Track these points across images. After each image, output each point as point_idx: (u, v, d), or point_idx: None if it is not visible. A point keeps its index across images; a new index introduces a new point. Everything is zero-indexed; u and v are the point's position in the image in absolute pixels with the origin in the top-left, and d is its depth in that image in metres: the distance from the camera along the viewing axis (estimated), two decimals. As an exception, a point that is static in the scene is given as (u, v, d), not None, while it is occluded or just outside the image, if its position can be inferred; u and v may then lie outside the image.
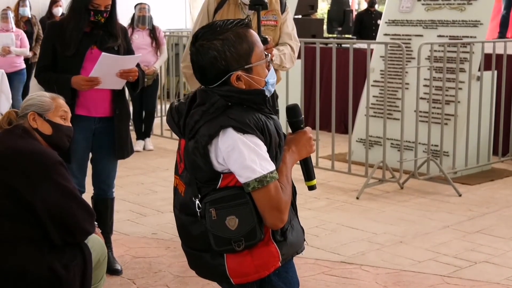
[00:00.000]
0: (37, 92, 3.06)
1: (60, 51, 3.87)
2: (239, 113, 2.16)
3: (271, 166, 2.15)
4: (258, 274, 2.24)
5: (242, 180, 2.14)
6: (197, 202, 2.21)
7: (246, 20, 2.24)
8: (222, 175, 2.18)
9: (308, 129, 2.35)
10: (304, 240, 2.42)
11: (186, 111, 2.25)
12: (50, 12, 10.18)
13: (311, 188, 2.40)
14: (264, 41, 3.66)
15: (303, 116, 2.36)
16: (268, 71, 2.27)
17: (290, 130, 2.38)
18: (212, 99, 2.17)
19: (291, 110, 2.35)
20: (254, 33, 2.24)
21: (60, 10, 10.10)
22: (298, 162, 2.39)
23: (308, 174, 2.39)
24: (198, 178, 2.21)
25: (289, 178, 2.25)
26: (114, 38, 3.93)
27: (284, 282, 2.31)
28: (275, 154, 2.21)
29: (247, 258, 2.22)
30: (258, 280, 2.26)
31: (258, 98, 2.21)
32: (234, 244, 2.16)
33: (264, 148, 2.16)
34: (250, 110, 2.19)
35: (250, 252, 2.21)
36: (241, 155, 2.11)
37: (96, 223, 3.00)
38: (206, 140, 2.14)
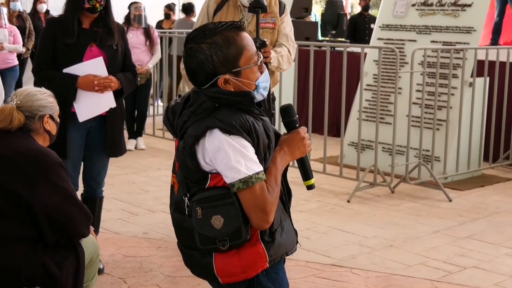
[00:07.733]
0: (40, 89, 3.01)
1: (60, 40, 3.86)
2: (226, 114, 2.17)
3: (258, 167, 2.16)
4: (245, 274, 2.25)
5: (227, 180, 2.15)
6: (186, 200, 2.23)
7: (239, 23, 2.24)
8: (210, 175, 2.19)
9: (302, 129, 2.34)
10: (297, 242, 2.42)
11: (180, 111, 2.26)
12: (34, 9, 10.17)
13: (310, 187, 2.40)
14: (263, 44, 3.67)
15: (297, 116, 2.37)
16: (261, 73, 2.26)
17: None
18: (199, 100, 2.19)
19: (285, 110, 2.35)
20: (245, 35, 2.23)
21: (44, 7, 10.12)
22: (296, 163, 2.40)
23: (305, 174, 2.39)
24: (188, 177, 2.23)
25: (278, 179, 2.25)
26: (113, 36, 3.94)
27: (273, 282, 2.31)
28: (264, 155, 2.22)
29: (234, 258, 2.23)
30: (247, 280, 2.27)
31: (246, 99, 2.22)
32: (219, 243, 2.18)
33: (251, 149, 2.16)
34: (239, 112, 2.20)
35: (238, 252, 2.22)
36: (226, 156, 2.13)
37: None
38: (193, 140, 2.16)
